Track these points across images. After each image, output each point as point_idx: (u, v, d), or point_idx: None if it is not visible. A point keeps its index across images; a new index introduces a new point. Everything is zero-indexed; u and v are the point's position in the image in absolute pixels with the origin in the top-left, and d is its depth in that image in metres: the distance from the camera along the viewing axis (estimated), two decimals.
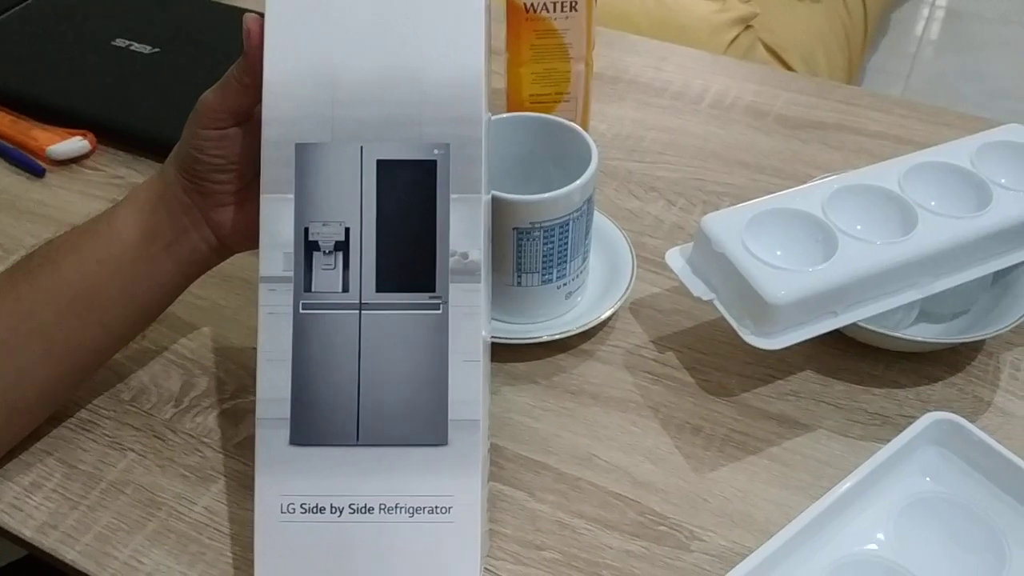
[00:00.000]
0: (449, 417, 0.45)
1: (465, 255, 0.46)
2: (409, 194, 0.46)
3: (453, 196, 0.46)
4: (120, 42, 0.86)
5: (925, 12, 2.57)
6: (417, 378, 0.45)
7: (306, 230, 0.46)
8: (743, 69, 0.92)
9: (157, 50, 0.86)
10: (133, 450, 0.57)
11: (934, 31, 2.51)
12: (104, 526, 0.53)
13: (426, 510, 0.45)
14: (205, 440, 0.57)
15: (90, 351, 0.55)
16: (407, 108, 0.46)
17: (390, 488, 0.45)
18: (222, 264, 0.57)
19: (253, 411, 0.58)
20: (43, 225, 0.72)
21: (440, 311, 0.46)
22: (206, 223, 0.54)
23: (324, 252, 0.46)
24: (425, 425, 0.45)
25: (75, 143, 0.77)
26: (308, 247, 0.46)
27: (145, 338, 0.62)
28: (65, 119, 0.80)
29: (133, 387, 0.60)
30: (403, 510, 0.45)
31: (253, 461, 0.56)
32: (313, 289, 0.46)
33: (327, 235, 0.46)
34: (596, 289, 0.65)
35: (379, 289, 0.46)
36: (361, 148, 0.46)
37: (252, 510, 0.48)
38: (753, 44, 1.37)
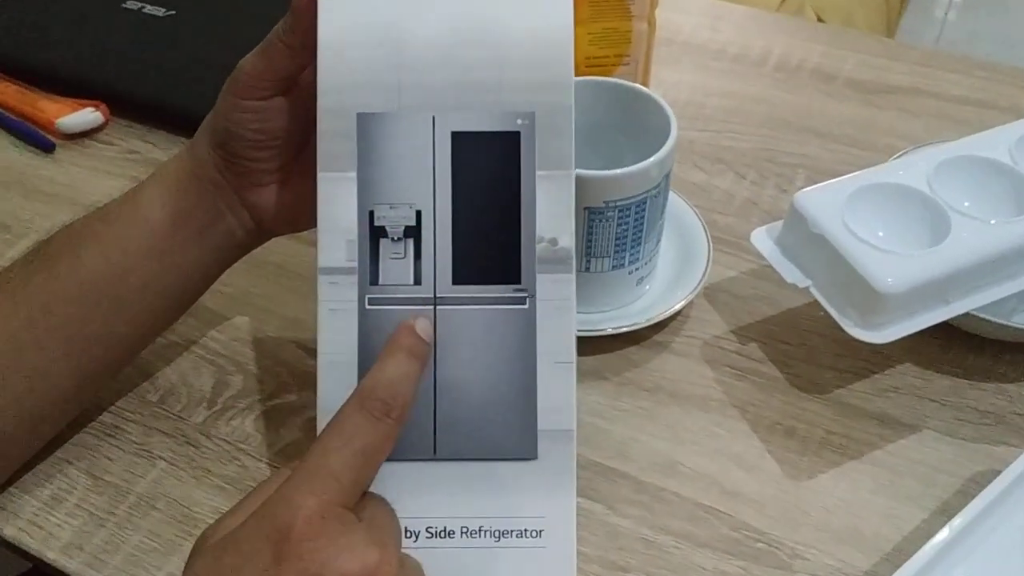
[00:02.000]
0: (539, 427, 0.39)
1: (554, 241, 0.40)
2: (489, 171, 0.40)
3: (540, 173, 0.40)
4: (132, 4, 0.80)
5: None
6: (501, 383, 0.39)
7: (371, 214, 0.40)
8: (805, 28, 0.85)
9: (172, 12, 0.79)
10: (163, 458, 0.51)
11: None
12: (135, 546, 0.47)
13: (514, 534, 0.39)
14: (243, 447, 0.52)
15: (115, 349, 0.49)
16: (485, 71, 0.40)
17: (473, 509, 0.39)
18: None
19: (296, 413, 0.53)
20: (54, 205, 0.66)
21: (527, 306, 0.40)
22: (242, 205, 0.48)
23: (392, 239, 0.40)
24: (511, 437, 0.39)
25: (86, 115, 0.71)
26: (374, 233, 0.40)
27: (172, 331, 0.56)
28: (75, 89, 0.73)
29: (161, 387, 0.54)
30: (488, 534, 0.39)
31: None
32: (380, 282, 0.40)
33: (395, 219, 0.40)
34: (667, 273, 0.59)
35: (456, 281, 0.40)
36: (433, 118, 0.40)
37: None
38: (803, 4, 1.29)
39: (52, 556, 0.47)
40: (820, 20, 1.38)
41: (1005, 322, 0.53)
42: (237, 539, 0.34)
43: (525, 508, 0.40)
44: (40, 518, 0.48)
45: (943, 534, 0.42)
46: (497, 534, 0.40)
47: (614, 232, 0.53)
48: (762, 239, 0.55)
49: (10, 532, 0.48)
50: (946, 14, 2.33)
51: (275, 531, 0.34)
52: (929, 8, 2.33)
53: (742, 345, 0.57)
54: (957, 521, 0.43)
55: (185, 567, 0.36)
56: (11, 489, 0.49)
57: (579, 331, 0.54)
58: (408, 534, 0.39)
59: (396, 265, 0.40)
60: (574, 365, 0.40)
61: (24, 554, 0.48)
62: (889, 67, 0.77)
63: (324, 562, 0.33)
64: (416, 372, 0.38)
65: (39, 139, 0.71)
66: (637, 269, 0.56)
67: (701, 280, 0.57)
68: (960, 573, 0.43)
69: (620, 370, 0.55)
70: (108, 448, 0.51)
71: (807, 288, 0.52)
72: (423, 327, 0.39)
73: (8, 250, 0.63)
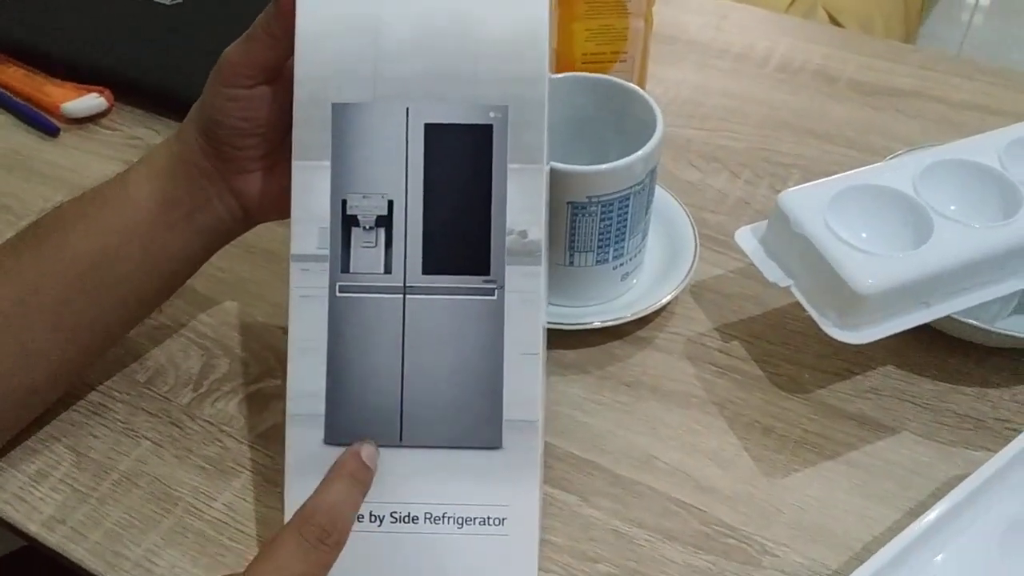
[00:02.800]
0: (504, 417, 0.40)
1: (524, 234, 0.40)
2: (461, 163, 0.40)
3: (511, 166, 0.40)
4: None
5: None
6: (468, 372, 0.40)
7: (344, 203, 0.41)
8: (810, 30, 0.85)
9: (179, 1, 0.80)
10: (148, 438, 0.52)
11: None
12: (115, 522, 0.48)
13: (477, 521, 0.40)
14: (226, 428, 0.52)
15: (102, 329, 0.50)
16: (460, 64, 0.40)
17: (437, 495, 0.40)
18: (246, 233, 0.52)
19: (279, 397, 0.54)
20: (56, 188, 0.67)
21: (495, 297, 0.40)
22: (229, 191, 0.49)
23: (364, 228, 0.41)
24: (477, 425, 0.40)
25: (91, 100, 0.72)
26: (346, 222, 0.41)
27: (162, 313, 0.57)
28: (81, 74, 0.74)
29: (149, 368, 0.56)
30: (451, 520, 0.40)
31: (278, 453, 0.51)
32: (351, 270, 0.41)
33: (367, 208, 0.40)
34: (653, 269, 0.59)
35: (426, 271, 0.41)
36: (407, 109, 0.41)
37: (279, 510, 0.43)
38: (814, 5, 1.29)
39: (34, 529, 0.48)
40: (838, 24, 1.38)
41: (988, 327, 0.53)
42: None
43: (489, 496, 0.40)
44: (25, 492, 0.50)
45: (911, 529, 0.43)
46: (460, 521, 0.40)
47: (597, 227, 0.53)
48: (747, 238, 0.55)
49: None
50: (971, 18, 2.31)
51: None
52: (954, 12, 2.31)
53: (725, 343, 0.57)
54: (927, 518, 0.43)
55: None
56: None
57: (563, 324, 0.55)
58: (373, 519, 0.40)
59: (367, 254, 0.41)
60: (541, 357, 0.41)
61: (13, 529, 0.49)
62: (892, 70, 0.77)
63: None
64: (357, 499, 0.40)
65: (44, 123, 0.72)
66: (621, 264, 0.56)
67: (686, 277, 0.57)
68: (927, 572, 0.43)
69: (602, 364, 0.56)
70: (94, 426, 0.53)
71: (789, 287, 0.52)
72: (368, 453, 0.41)
73: (9, 231, 0.63)
